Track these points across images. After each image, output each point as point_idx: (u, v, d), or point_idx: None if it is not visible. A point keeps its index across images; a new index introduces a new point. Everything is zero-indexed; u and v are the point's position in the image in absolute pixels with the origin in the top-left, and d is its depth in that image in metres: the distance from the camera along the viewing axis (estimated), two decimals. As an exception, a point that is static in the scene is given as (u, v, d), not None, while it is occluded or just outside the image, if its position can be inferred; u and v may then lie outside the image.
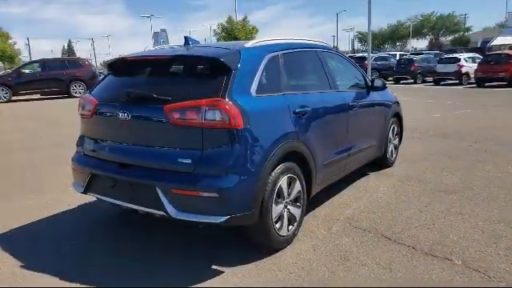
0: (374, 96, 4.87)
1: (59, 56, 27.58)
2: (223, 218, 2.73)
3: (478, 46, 50.47)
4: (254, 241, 3.15)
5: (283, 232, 3.19)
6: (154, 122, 2.91)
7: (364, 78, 4.86)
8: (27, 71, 18.78)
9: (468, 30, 67.31)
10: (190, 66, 3.20)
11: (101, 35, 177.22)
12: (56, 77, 18.60)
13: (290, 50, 3.62)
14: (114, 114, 3.08)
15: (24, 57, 59.31)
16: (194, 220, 2.79)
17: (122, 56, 3.58)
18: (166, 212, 2.81)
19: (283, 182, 3.12)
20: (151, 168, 2.93)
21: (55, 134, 9.06)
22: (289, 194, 3.23)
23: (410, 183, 4.84)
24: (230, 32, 38.68)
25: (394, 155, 5.71)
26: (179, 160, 2.80)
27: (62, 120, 11.29)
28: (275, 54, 3.38)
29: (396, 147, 5.75)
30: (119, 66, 3.49)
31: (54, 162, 6.30)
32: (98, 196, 3.28)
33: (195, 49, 3.42)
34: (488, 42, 45.01)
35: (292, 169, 3.22)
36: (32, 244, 3.47)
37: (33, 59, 26.95)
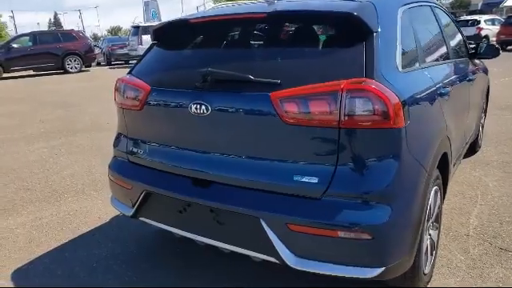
0: (478, 66, 3.84)
1: (46, 30, 25.58)
2: (376, 272, 1.73)
3: (479, 8, 48.96)
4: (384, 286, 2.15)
5: (426, 268, 2.22)
6: (253, 118, 1.86)
7: (466, 43, 3.79)
8: (17, 46, 17.26)
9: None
10: (304, 29, 2.12)
11: (87, 7, 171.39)
12: (49, 51, 17.15)
13: (414, 4, 2.53)
14: (180, 107, 2.03)
15: (9, 30, 56.70)
16: (325, 273, 1.79)
17: (181, 17, 2.46)
18: (278, 259, 1.82)
19: (432, 197, 2.13)
20: (250, 189, 1.90)
21: (58, 117, 7.93)
22: (431, 213, 2.24)
23: (522, 175, 3.87)
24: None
25: (481, 136, 4.73)
26: (298, 178, 1.78)
27: (61, 99, 10.11)
28: (405, 7, 2.30)
29: (483, 126, 4.76)
30: (176, 34, 2.40)
31: (65, 156, 5.24)
32: (157, 224, 2.26)
33: (298, 2, 2.31)
34: (489, 4, 43.55)
35: (437, 177, 2.22)
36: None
37: (19, 33, 25.08)
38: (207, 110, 1.92)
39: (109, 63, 22.93)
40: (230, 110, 1.89)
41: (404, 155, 1.74)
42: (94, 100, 9.86)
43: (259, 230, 1.82)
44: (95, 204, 3.64)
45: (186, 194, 2.06)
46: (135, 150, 2.36)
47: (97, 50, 21.45)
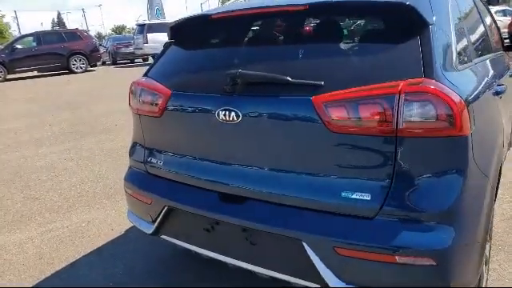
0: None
1: (50, 29, 25.17)
2: (440, 301, 1.50)
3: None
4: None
5: (484, 285, 1.98)
6: (292, 125, 1.62)
7: (501, 34, 3.52)
8: (22, 46, 17.08)
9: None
10: (349, 23, 1.88)
11: (91, 6, 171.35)
12: (54, 51, 16.98)
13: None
14: (206, 113, 1.80)
15: (13, 31, 56.62)
16: (380, 303, 1.55)
17: (202, 12, 2.23)
18: (324, 286, 1.59)
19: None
20: (290, 206, 1.66)
21: (65, 119, 7.74)
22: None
23: None
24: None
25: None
26: (347, 195, 1.54)
27: (68, 100, 9.93)
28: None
29: None
30: (197, 31, 2.16)
31: (74, 161, 5.03)
32: (181, 243, 2.04)
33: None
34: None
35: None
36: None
37: (22, 33, 24.83)
38: (237, 116, 1.69)
39: (114, 62, 22.75)
40: (265, 117, 1.66)
41: (470, 167, 1.51)
42: (101, 101, 9.66)
43: (301, 253, 1.59)
44: (108, 214, 3.43)
45: (214, 210, 1.83)
46: (154, 160, 2.13)
47: (101, 50, 21.26)
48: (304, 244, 1.58)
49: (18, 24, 58.92)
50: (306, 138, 1.60)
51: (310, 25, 2.03)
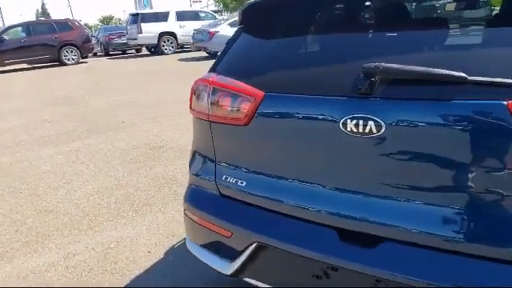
0: None
1: (40, 19, 23.86)
2: None
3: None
4: None
5: None
6: (472, 140, 1.15)
7: None
8: (9, 38, 16.26)
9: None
10: None
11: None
12: (44, 42, 16.18)
13: None
14: (322, 121, 1.33)
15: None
16: None
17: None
18: None
19: None
20: (456, 253, 1.20)
21: (65, 115, 7.16)
22: None
23: None
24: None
25: None
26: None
27: (64, 94, 9.31)
28: None
29: None
30: (289, 11, 1.66)
31: (85, 164, 4.51)
32: (273, 289, 1.57)
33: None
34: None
35: None
36: None
37: (6, 25, 23.67)
38: (378, 127, 1.22)
39: (106, 53, 21.97)
40: (423, 129, 1.18)
41: None
42: (99, 94, 9.07)
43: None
44: (139, 231, 2.94)
45: (331, 252, 1.37)
46: (232, 180, 1.65)
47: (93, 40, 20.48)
48: None
49: (1, 14, 56.97)
50: (492, 158, 1.13)
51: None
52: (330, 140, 1.34)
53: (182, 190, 3.53)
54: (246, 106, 1.51)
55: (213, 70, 1.75)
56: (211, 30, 15.20)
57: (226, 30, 15.28)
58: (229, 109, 1.58)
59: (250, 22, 1.76)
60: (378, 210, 1.30)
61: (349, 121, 1.26)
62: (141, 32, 17.69)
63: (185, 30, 17.90)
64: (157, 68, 13.46)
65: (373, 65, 1.21)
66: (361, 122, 1.24)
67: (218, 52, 15.57)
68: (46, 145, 5.38)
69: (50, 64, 16.87)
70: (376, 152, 1.26)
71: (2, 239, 2.99)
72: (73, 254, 2.72)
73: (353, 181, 1.35)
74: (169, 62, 15.30)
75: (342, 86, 1.31)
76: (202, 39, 15.55)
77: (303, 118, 1.40)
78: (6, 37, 16.15)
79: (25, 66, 17.10)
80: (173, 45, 18.22)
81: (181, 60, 15.58)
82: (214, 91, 1.64)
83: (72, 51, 16.77)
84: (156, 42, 17.87)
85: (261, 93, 1.47)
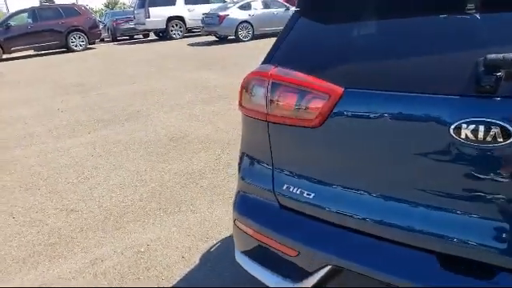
0: None
1: (46, 4, 23.26)
2: None
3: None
4: None
5: None
6: None
7: None
8: (16, 24, 15.96)
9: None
10: None
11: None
12: (51, 28, 15.86)
13: None
14: (424, 123, 1.09)
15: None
16: None
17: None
18: None
19: None
20: None
21: (77, 105, 6.95)
22: None
23: None
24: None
25: None
26: None
27: (75, 82, 9.09)
28: None
29: None
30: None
31: (104, 157, 4.30)
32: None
33: None
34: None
35: None
36: None
37: (11, 12, 23.23)
38: (506, 136, 0.97)
39: (114, 39, 21.65)
40: None
41: None
42: (111, 82, 8.84)
43: None
44: (170, 233, 2.74)
45: (431, 281, 1.14)
46: (296, 190, 1.42)
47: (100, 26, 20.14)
48: None
49: (6, 2, 56.37)
50: None
51: None
52: (432, 148, 1.10)
53: (211, 187, 3.33)
54: (318, 105, 1.27)
55: (268, 61, 1.50)
56: (221, 13, 14.84)
57: (236, 13, 14.94)
58: (294, 108, 1.34)
59: (313, 3, 1.50)
60: (496, 237, 1.06)
61: (464, 125, 1.01)
62: (148, 16, 17.31)
63: (193, 14, 17.49)
64: (166, 53, 13.17)
65: (501, 56, 0.96)
66: (481, 127, 0.99)
67: (228, 36, 15.26)
68: (61, 136, 5.18)
69: (58, 50, 16.63)
70: (499, 165, 1.02)
71: (24, 241, 2.81)
72: (100, 259, 2.52)
73: (461, 199, 1.11)
74: (178, 46, 14.98)
75: (451, 81, 1.06)
76: (211, 23, 15.22)
77: (395, 120, 1.15)
78: (12, 23, 15.86)
79: (31, 52, 16.88)
80: (181, 29, 17.84)
81: (190, 45, 15.25)
82: (275, 86, 1.40)
83: (80, 37, 16.48)
84: (164, 26, 17.50)
85: (339, 89, 1.23)
